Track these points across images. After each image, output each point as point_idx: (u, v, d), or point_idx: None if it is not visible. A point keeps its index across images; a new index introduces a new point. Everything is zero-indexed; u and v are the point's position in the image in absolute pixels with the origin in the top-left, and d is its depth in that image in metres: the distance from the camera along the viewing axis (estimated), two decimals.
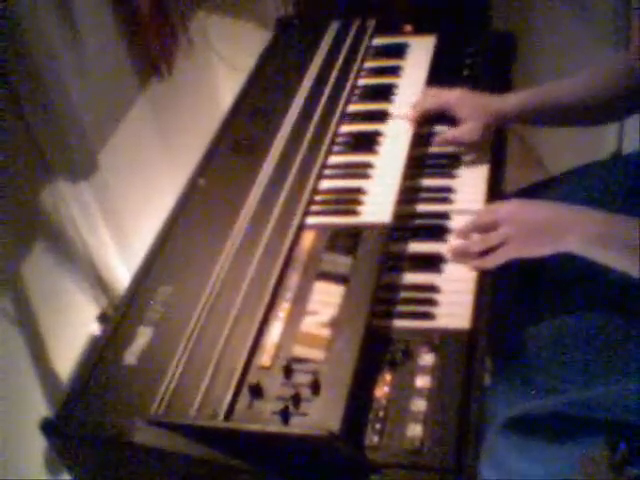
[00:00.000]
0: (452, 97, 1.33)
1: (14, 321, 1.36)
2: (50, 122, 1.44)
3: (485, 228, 1.13)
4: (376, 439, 0.94)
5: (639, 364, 1.08)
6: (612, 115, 1.39)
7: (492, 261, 1.11)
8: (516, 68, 1.56)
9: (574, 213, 1.08)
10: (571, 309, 1.18)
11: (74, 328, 1.53)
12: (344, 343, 0.99)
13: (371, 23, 1.62)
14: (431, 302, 1.10)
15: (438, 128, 1.37)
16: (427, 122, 1.37)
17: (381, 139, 1.34)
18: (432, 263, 1.16)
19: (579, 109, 1.28)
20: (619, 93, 1.25)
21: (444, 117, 1.34)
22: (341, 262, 1.10)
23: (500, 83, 1.47)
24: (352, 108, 1.43)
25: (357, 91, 1.48)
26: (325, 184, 1.27)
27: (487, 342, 1.04)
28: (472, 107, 1.30)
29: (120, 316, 1.11)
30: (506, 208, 1.13)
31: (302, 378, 0.95)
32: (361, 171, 1.28)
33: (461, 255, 1.14)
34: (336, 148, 1.34)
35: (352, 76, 1.48)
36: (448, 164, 1.33)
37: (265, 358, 0.99)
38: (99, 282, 1.62)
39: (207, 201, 1.28)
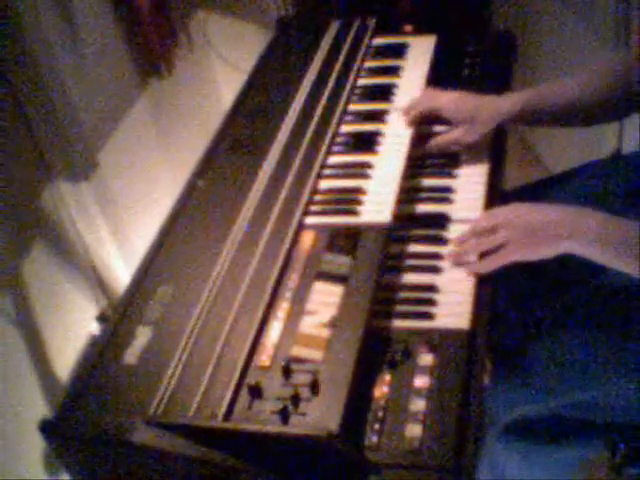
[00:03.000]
0: (445, 101, 1.32)
1: (14, 321, 1.36)
2: (50, 122, 1.44)
3: (484, 233, 1.12)
4: (375, 439, 0.94)
5: (639, 365, 1.08)
6: (610, 115, 1.38)
7: (491, 264, 1.10)
8: (516, 68, 1.56)
9: (574, 214, 1.08)
10: (570, 310, 1.18)
11: (74, 328, 1.53)
12: (343, 343, 0.99)
13: (371, 23, 1.62)
14: (430, 302, 1.10)
15: (438, 128, 1.37)
16: (425, 123, 1.36)
17: (381, 139, 1.34)
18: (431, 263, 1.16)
19: (576, 109, 1.27)
20: (617, 93, 1.25)
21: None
22: (340, 262, 1.10)
23: (500, 83, 1.47)
24: (352, 108, 1.43)
25: (357, 91, 1.47)
26: (325, 184, 1.27)
27: (486, 342, 1.04)
28: (465, 111, 1.29)
29: (120, 316, 1.11)
30: (505, 212, 1.12)
31: (301, 378, 0.95)
32: (361, 171, 1.28)
33: (459, 260, 1.14)
34: (336, 148, 1.34)
35: (352, 76, 1.48)
36: (448, 164, 1.33)
37: (264, 358, 0.99)
38: (99, 282, 1.62)
39: (207, 201, 1.28)
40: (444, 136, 1.32)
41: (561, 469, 1.23)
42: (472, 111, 1.29)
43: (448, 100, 1.32)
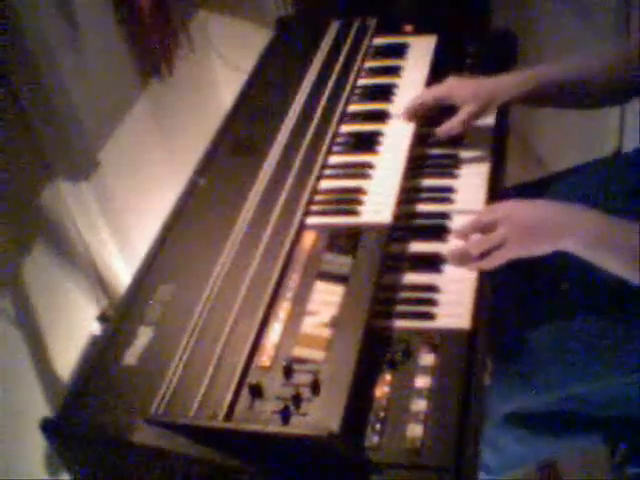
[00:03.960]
0: (444, 87, 1.31)
1: (14, 321, 1.36)
2: (50, 122, 1.44)
3: (484, 228, 1.13)
4: (376, 439, 0.94)
5: (638, 362, 1.08)
6: (609, 99, 1.37)
7: (491, 263, 1.10)
8: (516, 68, 1.56)
9: (572, 212, 1.08)
10: (571, 309, 1.18)
11: (74, 328, 1.53)
12: (344, 343, 0.99)
13: (371, 23, 1.62)
14: (431, 302, 1.10)
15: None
16: (426, 120, 1.36)
17: (381, 139, 1.34)
18: (432, 263, 1.16)
19: (575, 90, 1.27)
20: (616, 77, 1.24)
21: (443, 116, 1.33)
22: (341, 262, 1.10)
23: None
24: (352, 108, 1.43)
25: (357, 91, 1.47)
26: (325, 184, 1.27)
27: (487, 342, 1.04)
28: (466, 92, 1.28)
29: (120, 316, 1.11)
30: (504, 208, 1.12)
31: (302, 378, 0.95)
32: (361, 171, 1.28)
33: (460, 258, 1.14)
34: (336, 148, 1.34)
35: (352, 76, 1.48)
36: (448, 164, 1.33)
37: (265, 358, 0.99)
38: (99, 282, 1.62)
39: (207, 201, 1.28)
40: (448, 122, 1.30)
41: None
42: (473, 90, 1.28)
43: (445, 86, 1.31)
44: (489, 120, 1.36)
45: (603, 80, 1.25)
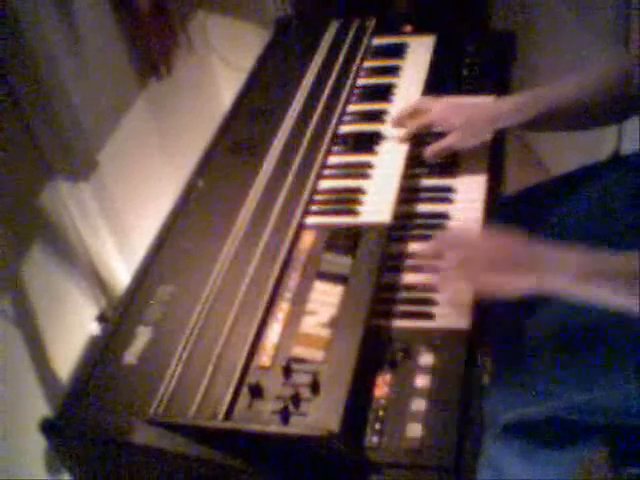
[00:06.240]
0: (439, 111, 1.29)
1: (14, 321, 1.36)
2: (50, 122, 1.44)
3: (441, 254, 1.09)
4: (376, 439, 0.94)
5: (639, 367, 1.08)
6: (609, 119, 1.36)
7: (442, 283, 1.07)
8: (516, 68, 1.56)
9: (554, 251, 1.02)
10: (572, 311, 1.18)
11: (74, 328, 1.53)
12: (343, 343, 0.99)
13: (371, 23, 1.63)
14: (431, 302, 1.10)
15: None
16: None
17: (381, 139, 1.34)
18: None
19: (575, 113, 1.25)
20: (616, 96, 1.22)
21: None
22: (340, 262, 1.10)
23: (500, 83, 1.47)
24: (352, 108, 1.43)
25: (357, 91, 1.48)
26: (325, 184, 1.27)
27: (486, 342, 1.04)
28: (460, 119, 1.27)
29: (120, 316, 1.11)
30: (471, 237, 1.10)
31: (302, 378, 0.95)
32: (361, 171, 1.28)
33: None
34: (336, 148, 1.34)
35: (352, 76, 1.48)
36: (448, 163, 1.33)
37: (265, 358, 0.99)
38: (99, 282, 1.62)
39: (207, 201, 1.28)
40: (439, 144, 1.29)
41: (560, 469, 1.23)
42: (468, 118, 1.26)
43: (439, 112, 1.29)
44: None
45: (602, 100, 1.22)
